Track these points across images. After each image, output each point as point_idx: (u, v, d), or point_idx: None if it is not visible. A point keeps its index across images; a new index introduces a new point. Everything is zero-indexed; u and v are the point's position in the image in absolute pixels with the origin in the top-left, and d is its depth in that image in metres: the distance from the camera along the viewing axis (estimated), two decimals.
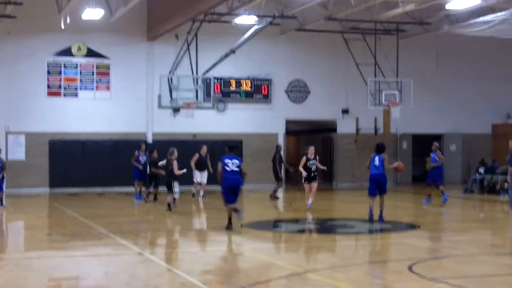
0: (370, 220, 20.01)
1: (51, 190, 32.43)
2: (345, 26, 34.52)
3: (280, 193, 29.40)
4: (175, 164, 23.07)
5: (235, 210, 18.03)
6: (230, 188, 18.08)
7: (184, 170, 23.72)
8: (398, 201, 28.07)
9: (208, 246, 16.69)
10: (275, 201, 27.66)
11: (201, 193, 27.51)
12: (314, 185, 23.51)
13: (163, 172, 25.03)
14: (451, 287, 11.23)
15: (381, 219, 19.95)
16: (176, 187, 23.14)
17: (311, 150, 23.68)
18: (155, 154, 26.81)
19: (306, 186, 23.47)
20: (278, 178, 28.25)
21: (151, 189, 27.14)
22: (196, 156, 26.79)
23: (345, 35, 34.52)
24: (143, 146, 27.97)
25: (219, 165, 18.18)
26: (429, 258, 14.27)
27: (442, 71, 38.49)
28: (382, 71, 32.95)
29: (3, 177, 24.56)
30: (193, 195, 27.81)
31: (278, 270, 13.04)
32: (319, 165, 23.72)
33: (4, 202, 24.68)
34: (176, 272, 12.74)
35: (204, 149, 27.15)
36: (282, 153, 29.14)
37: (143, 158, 27.42)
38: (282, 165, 28.63)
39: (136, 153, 27.50)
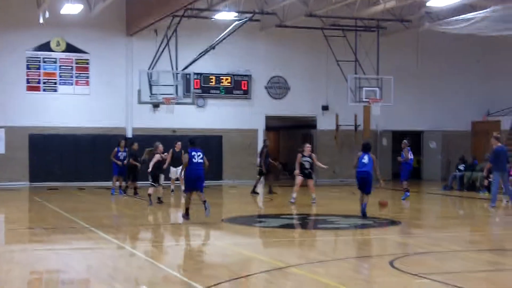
0: (363, 215, 19.99)
1: (31, 184, 32.32)
2: (325, 23, 34.52)
3: (260, 189, 29.37)
4: (155, 158, 23.11)
5: (204, 202, 18.67)
6: (195, 178, 18.95)
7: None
8: (378, 198, 28.09)
9: (189, 240, 16.67)
10: (256, 196, 27.64)
11: (183, 187, 27.38)
12: (310, 182, 24.15)
13: (139, 165, 25.24)
14: (432, 283, 11.28)
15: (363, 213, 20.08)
16: (161, 179, 23.62)
17: (307, 148, 24.12)
18: (135, 147, 26.89)
19: (299, 179, 23.81)
20: (261, 173, 28.31)
21: (129, 183, 27.16)
22: (171, 152, 26.19)
23: (326, 31, 34.47)
24: (123, 143, 27.74)
25: (186, 157, 19.08)
26: (410, 254, 14.33)
27: (422, 68, 38.67)
28: (362, 68, 32.99)
29: None
30: (172, 190, 27.75)
31: (260, 264, 13.06)
32: (319, 164, 24.39)
33: None
34: (158, 266, 12.72)
35: (178, 145, 26.79)
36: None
37: (122, 154, 27.24)
38: (268, 160, 28.57)
39: (115, 149, 27.37)
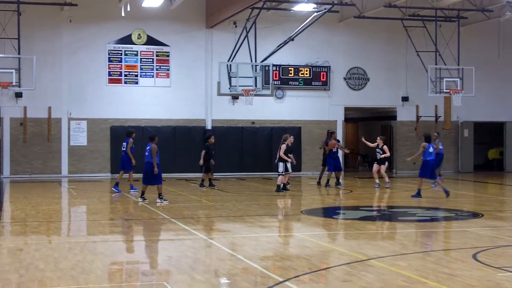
0: (418, 195, 23.05)
1: (113, 176, 32.75)
2: (405, 13, 34.20)
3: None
4: (283, 147, 24.94)
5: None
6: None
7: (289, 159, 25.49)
8: (460, 190, 27.76)
9: (269, 231, 16.67)
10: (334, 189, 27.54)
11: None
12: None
13: (213, 162, 26.95)
14: None
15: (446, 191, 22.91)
16: (281, 167, 25.10)
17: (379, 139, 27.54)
18: (211, 140, 26.90)
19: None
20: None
21: (204, 175, 27.20)
22: (285, 147, 25.47)
23: (405, 22, 34.16)
24: (133, 134, 26.19)
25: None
26: (493, 246, 14.08)
27: (504, 59, 37.99)
28: (443, 58, 32.54)
29: None
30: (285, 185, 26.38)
31: (340, 257, 13.00)
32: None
33: None
34: (238, 257, 12.76)
35: (291, 139, 26.11)
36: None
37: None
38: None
39: (131, 140, 25.59)
